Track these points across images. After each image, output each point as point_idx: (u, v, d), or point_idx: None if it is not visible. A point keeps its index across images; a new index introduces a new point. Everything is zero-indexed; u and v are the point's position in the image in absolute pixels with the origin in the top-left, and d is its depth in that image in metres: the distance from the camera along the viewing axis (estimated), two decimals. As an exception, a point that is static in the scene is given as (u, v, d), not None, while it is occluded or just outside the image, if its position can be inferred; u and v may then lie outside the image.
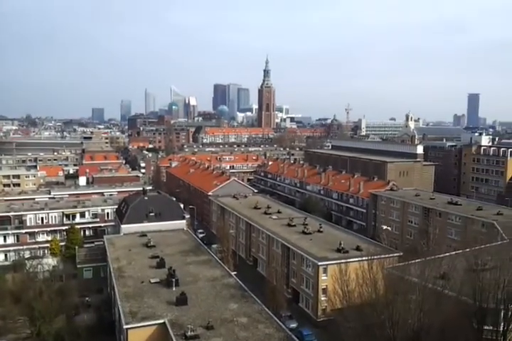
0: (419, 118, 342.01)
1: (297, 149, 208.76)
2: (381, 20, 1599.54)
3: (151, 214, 66.54)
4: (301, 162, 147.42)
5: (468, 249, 43.10)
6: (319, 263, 53.20)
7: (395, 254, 52.49)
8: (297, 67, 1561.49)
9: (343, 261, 47.44)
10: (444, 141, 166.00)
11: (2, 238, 74.20)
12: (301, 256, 57.61)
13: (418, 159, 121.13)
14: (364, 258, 41.35)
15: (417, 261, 40.09)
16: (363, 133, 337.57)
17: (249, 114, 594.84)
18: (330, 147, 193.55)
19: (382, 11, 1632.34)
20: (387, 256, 47.02)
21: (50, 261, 62.10)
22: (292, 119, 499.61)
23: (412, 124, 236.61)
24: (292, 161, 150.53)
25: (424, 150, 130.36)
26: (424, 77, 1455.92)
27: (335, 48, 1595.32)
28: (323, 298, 52.90)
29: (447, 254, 44.83)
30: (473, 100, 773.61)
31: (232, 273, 48.29)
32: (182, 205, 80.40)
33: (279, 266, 55.76)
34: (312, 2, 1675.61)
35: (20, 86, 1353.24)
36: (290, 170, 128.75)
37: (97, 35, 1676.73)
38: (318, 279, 53.32)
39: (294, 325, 50.93)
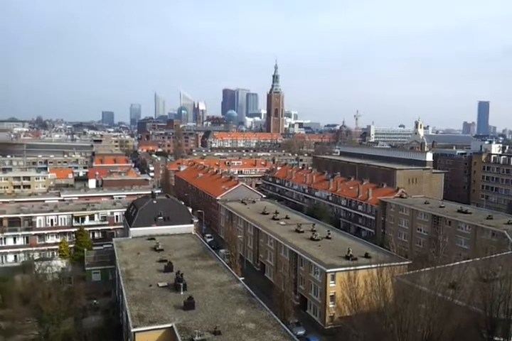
0: (428, 126, 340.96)
1: (305, 155, 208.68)
2: (391, 26, 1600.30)
3: (160, 217, 66.74)
4: (310, 168, 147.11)
5: (478, 258, 42.74)
6: (327, 270, 52.96)
7: (405, 262, 52.02)
8: (306, 73, 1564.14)
9: (351, 268, 46.94)
10: (454, 148, 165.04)
11: (12, 239, 74.88)
12: (309, 262, 57.40)
13: (427, 166, 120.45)
14: (373, 265, 41.12)
15: (426, 269, 39.77)
16: (372, 139, 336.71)
17: (257, 119, 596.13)
18: (338, 153, 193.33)
19: (392, 17, 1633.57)
20: (396, 264, 46.42)
21: (59, 263, 62.39)
22: (301, 125, 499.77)
23: (421, 131, 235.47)
24: (300, 167, 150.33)
25: (433, 158, 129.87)
26: (435, 84, 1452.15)
27: (345, 54, 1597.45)
28: (331, 305, 52.60)
29: (457, 263, 44.36)
30: (484, 108, 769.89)
31: (240, 279, 48.20)
32: (190, 209, 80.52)
33: (286, 272, 55.41)
34: (322, 7, 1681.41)
35: (31, 88, 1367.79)
36: (298, 175, 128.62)
37: (108, 40, 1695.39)
38: (326, 286, 53.06)
39: (301, 332, 50.71)
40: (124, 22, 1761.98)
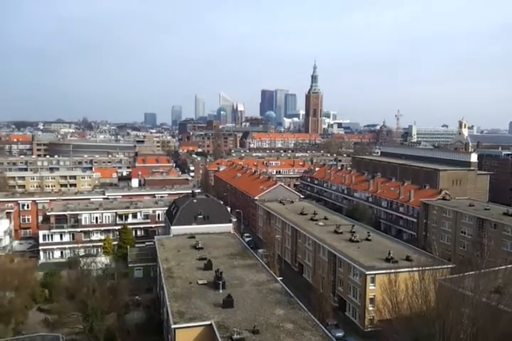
0: (473, 126, 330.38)
1: (344, 155, 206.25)
2: (433, 25, 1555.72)
3: (200, 216, 67.82)
4: (349, 168, 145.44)
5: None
6: (367, 273, 52.27)
7: (448, 266, 50.67)
8: (345, 73, 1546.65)
9: (392, 271, 46.31)
10: (500, 149, 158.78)
11: (59, 236, 77.85)
12: (348, 264, 56.82)
13: (472, 168, 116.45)
14: (415, 268, 40.33)
15: (470, 273, 38.62)
16: (414, 139, 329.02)
17: (296, 119, 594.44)
18: (379, 153, 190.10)
19: (435, 16, 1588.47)
20: (439, 267, 45.39)
21: (103, 260, 64.32)
22: (340, 125, 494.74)
23: (465, 131, 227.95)
24: (339, 167, 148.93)
25: (478, 159, 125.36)
26: (480, 83, 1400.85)
27: (385, 53, 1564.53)
28: (370, 308, 51.87)
29: (503, 267, 42.85)
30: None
31: (278, 279, 48.32)
32: (229, 209, 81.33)
33: (325, 273, 55.12)
34: (365, 6, 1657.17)
35: (78, 91, 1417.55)
36: (337, 176, 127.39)
37: (151, 45, 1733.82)
38: (366, 289, 52.36)
39: (340, 334, 50.29)
40: (166, 27, 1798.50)
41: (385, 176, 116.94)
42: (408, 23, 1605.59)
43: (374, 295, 51.35)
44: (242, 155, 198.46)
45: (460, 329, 33.00)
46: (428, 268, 40.46)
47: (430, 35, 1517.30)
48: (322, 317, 48.02)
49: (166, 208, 77.98)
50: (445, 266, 49.59)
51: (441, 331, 32.97)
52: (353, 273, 56.00)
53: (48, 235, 77.39)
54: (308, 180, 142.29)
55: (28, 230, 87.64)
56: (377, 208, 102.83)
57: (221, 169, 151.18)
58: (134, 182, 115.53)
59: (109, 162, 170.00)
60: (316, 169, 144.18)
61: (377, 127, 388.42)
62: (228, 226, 68.88)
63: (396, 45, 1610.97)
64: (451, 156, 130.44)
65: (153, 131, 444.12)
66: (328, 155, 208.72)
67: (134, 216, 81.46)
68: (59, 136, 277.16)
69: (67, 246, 77.05)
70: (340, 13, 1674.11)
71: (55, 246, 77.49)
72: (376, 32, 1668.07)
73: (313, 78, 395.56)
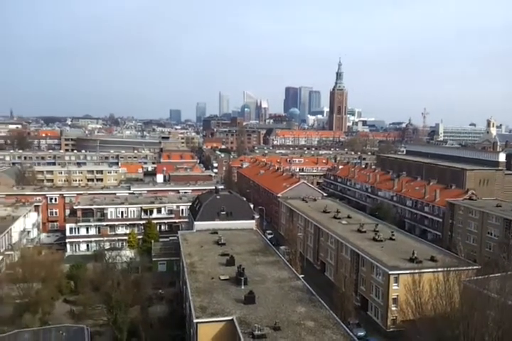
0: (501, 125, 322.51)
1: (369, 153, 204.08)
2: (459, 22, 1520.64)
3: (223, 212, 68.16)
4: (373, 167, 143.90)
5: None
6: (390, 272, 51.75)
7: (473, 267, 49.85)
8: (371, 70, 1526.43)
9: (416, 271, 45.74)
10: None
11: (85, 229, 79.57)
12: (371, 263, 56.35)
13: (500, 167, 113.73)
14: (439, 269, 39.81)
15: (496, 275, 37.92)
16: (440, 138, 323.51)
17: (320, 116, 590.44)
18: (404, 152, 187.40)
19: (462, 14, 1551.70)
20: (464, 268, 44.72)
21: (128, 253, 65.34)
22: (364, 123, 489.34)
23: (493, 130, 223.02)
24: (363, 166, 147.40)
25: (506, 159, 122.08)
26: (509, 81, 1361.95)
27: (412, 50, 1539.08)
28: (393, 308, 51.43)
29: (531, 270, 41.83)
30: None
31: (300, 276, 48.31)
32: (252, 205, 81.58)
33: (347, 272, 54.91)
34: (389, 4, 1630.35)
35: (105, 88, 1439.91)
36: (361, 174, 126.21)
37: (177, 41, 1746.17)
38: (389, 288, 51.87)
39: (361, 334, 50.04)
40: (192, 26, 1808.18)
41: (411, 175, 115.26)
42: (435, 21, 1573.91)
43: (397, 295, 50.87)
44: (266, 152, 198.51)
45: (485, 331, 32.48)
46: (453, 269, 39.91)
47: (458, 32, 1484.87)
48: (344, 316, 47.79)
49: (190, 204, 78.66)
50: (470, 268, 48.79)
51: (466, 333, 32.51)
52: (376, 272, 55.52)
53: (75, 228, 79.13)
54: (332, 178, 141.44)
55: (55, 223, 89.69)
56: (402, 207, 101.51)
57: (244, 166, 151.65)
58: (159, 178, 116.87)
59: (134, 157, 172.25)
60: (340, 167, 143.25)
61: (403, 125, 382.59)
62: (251, 223, 69.08)
63: (423, 42, 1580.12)
64: (479, 155, 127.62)
65: (178, 127, 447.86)
66: (352, 153, 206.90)
67: (159, 211, 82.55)
68: (86, 132, 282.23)
69: (93, 239, 78.77)
70: (366, 10, 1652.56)
71: (81, 239, 79.24)
72: (403, 29, 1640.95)
73: (338, 75, 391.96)
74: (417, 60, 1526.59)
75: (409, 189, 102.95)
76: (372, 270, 56.21)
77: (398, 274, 51.45)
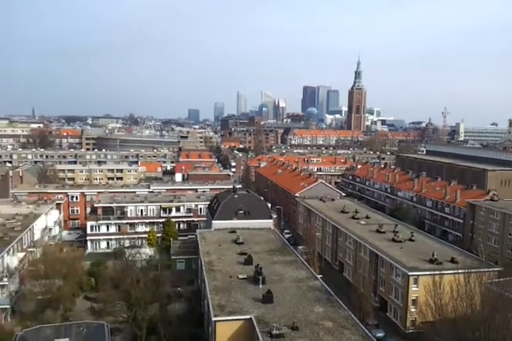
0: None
1: (388, 153, 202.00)
2: (484, 18, 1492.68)
3: (240, 211, 68.36)
4: (392, 166, 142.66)
5: None
6: (410, 273, 51.27)
7: (494, 269, 49.13)
8: (390, 69, 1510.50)
9: (436, 272, 45.25)
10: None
11: (105, 227, 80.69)
12: (390, 264, 55.89)
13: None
14: (460, 271, 39.30)
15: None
16: (461, 138, 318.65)
17: (338, 116, 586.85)
18: (424, 152, 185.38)
19: (485, 10, 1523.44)
20: (485, 270, 44.04)
21: (147, 251, 65.90)
22: (384, 122, 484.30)
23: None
24: (382, 165, 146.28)
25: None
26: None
27: (431, 49, 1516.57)
28: (412, 309, 50.96)
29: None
30: None
31: (318, 276, 48.21)
32: (269, 205, 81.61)
33: (366, 272, 54.57)
34: (407, 2, 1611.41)
35: (125, 87, 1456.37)
36: (380, 174, 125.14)
37: (195, 41, 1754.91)
38: (408, 290, 51.40)
39: (380, 335, 49.70)
40: (212, 25, 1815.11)
41: (431, 175, 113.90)
42: (455, 18, 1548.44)
43: (417, 297, 50.42)
44: (283, 151, 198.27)
45: (506, 334, 32.03)
46: (474, 270, 39.42)
47: (479, 29, 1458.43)
48: (362, 316, 47.54)
49: (208, 202, 79.11)
50: (492, 269, 48.07)
51: (486, 335, 32.10)
52: (395, 273, 55.06)
53: (95, 226, 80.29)
54: (350, 177, 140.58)
55: (76, 221, 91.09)
56: (422, 208, 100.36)
57: (262, 165, 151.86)
58: (178, 177, 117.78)
59: (154, 156, 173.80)
60: (359, 167, 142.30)
61: (423, 125, 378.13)
62: (268, 222, 69.17)
63: (443, 40, 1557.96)
64: (500, 156, 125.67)
65: (197, 126, 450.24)
66: (371, 152, 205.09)
67: (177, 209, 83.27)
68: (107, 131, 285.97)
69: (113, 237, 79.84)
70: (385, 8, 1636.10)
71: (101, 237, 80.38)
72: (421, 27, 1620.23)
73: (357, 74, 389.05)
74: (438, 58, 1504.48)
75: (430, 189, 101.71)
76: (392, 271, 55.75)
77: (418, 275, 50.98)
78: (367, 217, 77.75)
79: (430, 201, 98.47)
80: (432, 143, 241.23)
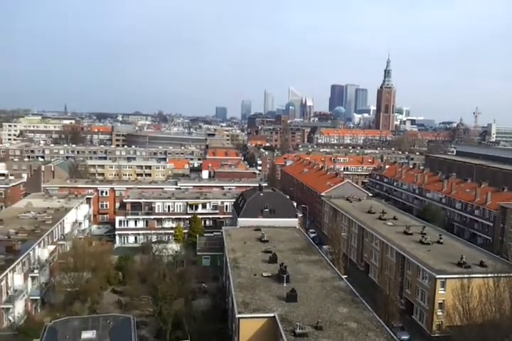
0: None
1: (417, 153, 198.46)
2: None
3: (266, 209, 68.45)
4: (421, 167, 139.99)
5: None
6: (437, 276, 50.38)
7: (526, 274, 47.63)
8: (421, 67, 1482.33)
9: (465, 276, 44.32)
10: None
11: (133, 222, 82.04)
12: (417, 266, 55.04)
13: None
14: (489, 275, 38.40)
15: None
16: (493, 139, 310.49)
17: (366, 115, 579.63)
18: (454, 153, 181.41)
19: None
20: (516, 275, 42.90)
21: (174, 247, 66.92)
22: (413, 122, 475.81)
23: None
24: (411, 166, 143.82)
25: None
26: None
27: (464, 47, 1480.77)
28: (439, 313, 50.07)
29: None
30: None
31: (343, 277, 47.88)
32: (295, 204, 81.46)
33: (392, 274, 53.84)
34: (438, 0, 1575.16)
35: (155, 85, 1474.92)
36: (409, 175, 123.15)
37: (224, 39, 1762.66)
38: (435, 293, 50.52)
39: (405, 337, 49.22)
40: (237, 23, 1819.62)
41: (461, 177, 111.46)
42: (486, 17, 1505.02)
43: (443, 300, 49.49)
44: (310, 150, 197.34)
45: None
46: (503, 275, 38.44)
47: (507, 29, 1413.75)
48: (387, 318, 46.95)
49: (234, 200, 79.52)
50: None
51: (517, 342, 31.29)
52: (422, 276, 54.21)
53: (124, 221, 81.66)
54: (378, 177, 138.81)
55: (105, 215, 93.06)
56: (451, 210, 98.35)
57: (288, 164, 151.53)
58: (204, 174, 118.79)
59: (181, 153, 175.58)
60: (386, 167, 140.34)
61: (454, 125, 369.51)
62: (293, 221, 69.05)
63: (475, 39, 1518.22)
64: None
65: (224, 124, 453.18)
66: (400, 152, 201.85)
67: (204, 206, 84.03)
68: (136, 128, 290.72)
69: (140, 232, 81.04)
70: (416, 6, 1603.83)
71: (129, 232, 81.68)
72: (453, 26, 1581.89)
73: (386, 72, 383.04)
74: (470, 56, 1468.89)
75: (459, 191, 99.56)
76: (418, 273, 54.91)
77: (445, 278, 50.07)
78: (394, 218, 76.68)
79: (459, 203, 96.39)
80: (462, 143, 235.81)
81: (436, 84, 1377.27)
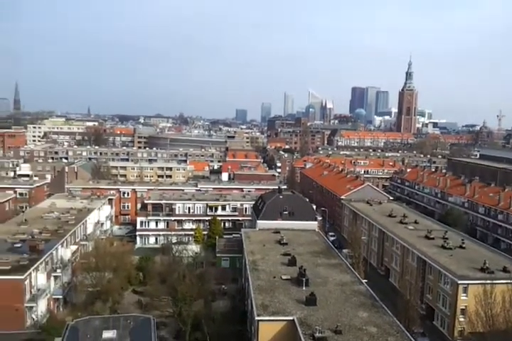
0: None
1: (439, 157, 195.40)
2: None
3: (285, 212, 68.37)
4: (444, 171, 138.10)
5: None
6: (459, 282, 49.55)
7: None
8: (443, 70, 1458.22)
9: (488, 281, 43.46)
10: None
11: (154, 223, 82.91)
12: (438, 271, 54.22)
13: None
14: (513, 281, 37.59)
15: None
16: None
17: (387, 117, 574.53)
18: (477, 156, 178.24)
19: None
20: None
21: (194, 248, 67.24)
22: (435, 125, 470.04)
23: None
24: (433, 169, 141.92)
25: None
26: None
27: (487, 49, 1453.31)
28: (461, 319, 49.14)
29: None
30: None
31: (363, 281, 47.50)
32: (314, 206, 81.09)
33: (413, 279, 53.05)
34: (460, 3, 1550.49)
35: (176, 88, 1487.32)
36: (430, 178, 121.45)
37: (243, 42, 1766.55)
38: (457, 298, 49.66)
39: (426, 343, 48.35)
40: (257, 26, 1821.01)
41: (484, 180, 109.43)
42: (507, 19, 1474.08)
43: (466, 306, 48.58)
44: (330, 153, 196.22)
45: None
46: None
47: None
48: (408, 324, 46.26)
49: (253, 202, 79.65)
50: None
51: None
52: (443, 281, 53.38)
53: (145, 222, 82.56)
54: (399, 181, 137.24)
55: (127, 216, 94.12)
56: (474, 214, 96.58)
57: (307, 166, 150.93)
58: (224, 176, 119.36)
59: (202, 155, 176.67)
60: (408, 170, 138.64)
61: (477, 128, 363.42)
62: (313, 224, 68.80)
63: (498, 40, 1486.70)
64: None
65: (244, 127, 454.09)
66: (422, 156, 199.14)
67: (223, 208, 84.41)
68: (158, 130, 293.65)
69: (161, 233, 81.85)
70: (438, 6, 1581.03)
71: (150, 233, 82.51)
72: (474, 28, 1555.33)
73: (408, 75, 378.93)
74: (494, 58, 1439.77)
75: (482, 195, 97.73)
76: (440, 278, 54.08)
77: (468, 284, 49.19)
78: (415, 222, 75.72)
79: (483, 207, 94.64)
80: (485, 147, 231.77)
81: (458, 86, 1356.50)
